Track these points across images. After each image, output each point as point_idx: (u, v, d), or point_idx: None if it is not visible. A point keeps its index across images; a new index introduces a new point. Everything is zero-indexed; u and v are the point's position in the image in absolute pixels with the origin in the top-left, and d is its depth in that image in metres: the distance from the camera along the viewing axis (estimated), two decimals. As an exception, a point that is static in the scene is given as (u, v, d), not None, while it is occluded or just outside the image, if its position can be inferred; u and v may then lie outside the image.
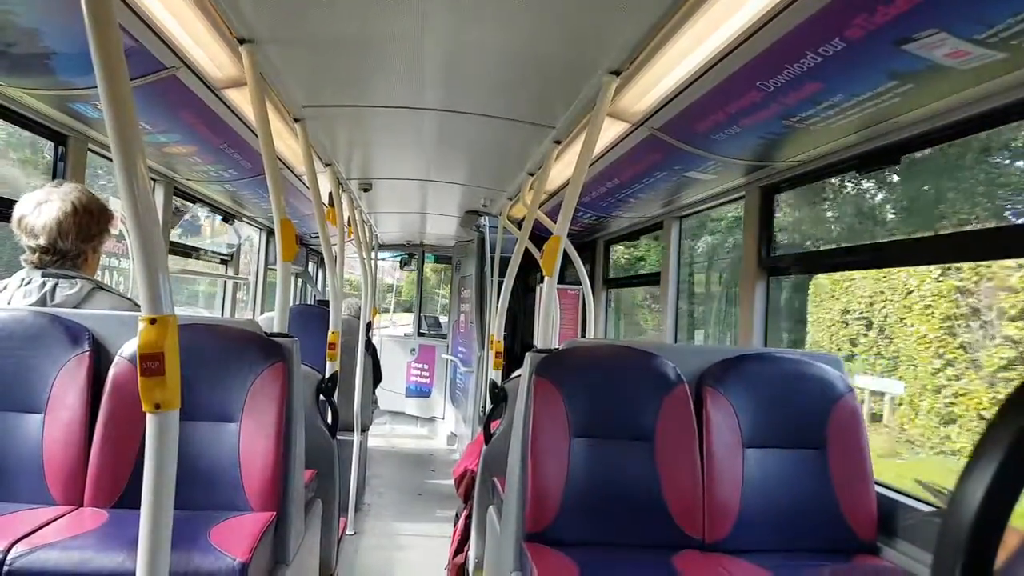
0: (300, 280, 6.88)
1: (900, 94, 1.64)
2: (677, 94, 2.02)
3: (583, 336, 4.87)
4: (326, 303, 4.73)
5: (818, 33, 1.46)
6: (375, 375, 4.82)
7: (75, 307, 1.86)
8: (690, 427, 1.89)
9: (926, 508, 1.83)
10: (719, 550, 1.81)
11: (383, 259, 8.50)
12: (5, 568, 1.28)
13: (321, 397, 2.67)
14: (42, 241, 1.85)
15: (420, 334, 8.14)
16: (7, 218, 1.93)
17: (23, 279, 1.89)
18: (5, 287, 1.90)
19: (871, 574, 1.75)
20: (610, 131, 2.47)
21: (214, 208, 4.14)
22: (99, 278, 2.01)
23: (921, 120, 1.83)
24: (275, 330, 2.00)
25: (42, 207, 1.85)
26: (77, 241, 1.88)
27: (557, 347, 2.05)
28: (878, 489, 1.89)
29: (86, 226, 1.89)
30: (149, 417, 0.95)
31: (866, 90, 1.66)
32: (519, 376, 2.54)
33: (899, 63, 1.48)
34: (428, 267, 8.57)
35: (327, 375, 2.77)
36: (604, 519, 1.83)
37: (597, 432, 1.88)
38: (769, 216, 2.72)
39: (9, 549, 1.31)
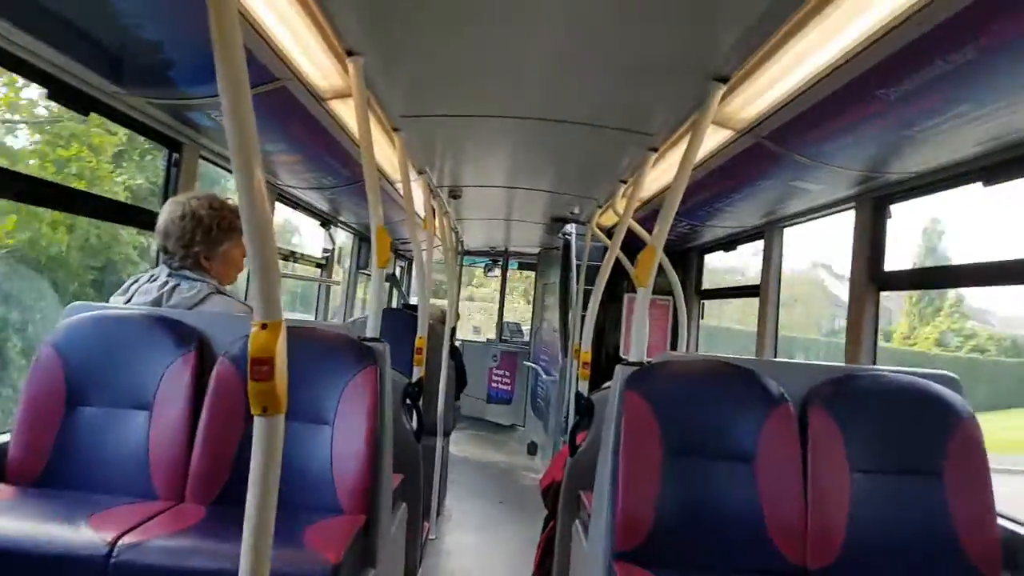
0: (388, 284, 7.06)
1: None
2: (788, 102, 1.92)
3: (673, 349, 4.72)
4: (412, 307, 4.81)
5: (949, 40, 1.34)
6: (459, 380, 4.85)
7: (190, 308, 1.95)
8: (794, 448, 1.78)
9: None
10: None
11: (467, 265, 8.61)
12: (112, 560, 1.33)
13: (407, 401, 2.69)
14: (159, 241, 2.00)
15: (502, 340, 8.17)
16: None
17: (152, 275, 2.01)
18: (136, 280, 2.02)
19: None
20: (712, 138, 2.37)
21: (311, 213, 4.29)
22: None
23: None
24: (367, 335, 2.02)
25: (163, 211, 1.99)
26: (179, 246, 1.97)
27: (648, 360, 1.96)
28: (1002, 522, 1.74)
29: (191, 232, 1.97)
30: (256, 420, 0.96)
31: (997, 100, 1.54)
32: (607, 388, 2.46)
33: None
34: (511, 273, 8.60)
35: (413, 380, 2.79)
36: (699, 541, 1.75)
37: (693, 451, 1.79)
38: (881, 228, 2.57)
39: (116, 541, 1.36)
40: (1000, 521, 1.73)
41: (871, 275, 2.58)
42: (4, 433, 1.77)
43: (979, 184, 2.07)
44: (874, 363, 2.59)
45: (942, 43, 1.36)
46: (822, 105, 1.83)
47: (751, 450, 1.78)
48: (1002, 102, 1.54)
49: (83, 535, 1.38)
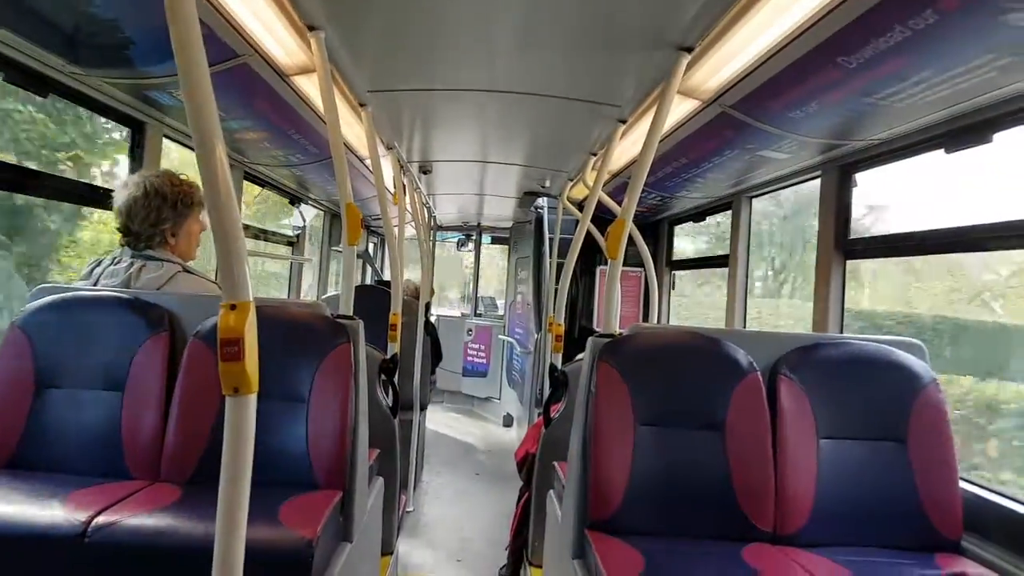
0: (360, 261, 7.00)
1: (997, 68, 1.53)
2: (752, 71, 1.93)
3: (645, 320, 4.78)
4: (385, 284, 4.79)
5: (908, 5, 1.36)
6: (435, 355, 4.86)
7: (157, 289, 1.93)
8: (763, 416, 1.81)
9: (1017, 507, 1.72)
10: (791, 543, 1.74)
11: (440, 240, 8.56)
12: (86, 539, 1.33)
13: (383, 377, 2.70)
14: (122, 222, 1.94)
15: (476, 314, 8.19)
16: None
17: (114, 258, 1.97)
18: (99, 263, 1.99)
19: (955, 574, 1.65)
20: (679, 109, 2.38)
21: (281, 191, 4.23)
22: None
23: (1017, 96, 1.71)
24: (340, 312, 2.02)
25: (123, 190, 1.94)
26: (146, 224, 1.94)
27: (621, 332, 1.99)
28: (963, 486, 1.79)
29: (156, 209, 1.94)
30: (228, 400, 0.96)
31: (958, 65, 1.55)
32: (580, 360, 2.49)
33: (998, 36, 1.38)
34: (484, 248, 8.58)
35: (388, 356, 2.80)
36: (670, 509, 1.78)
37: (663, 420, 1.82)
38: (847, 196, 2.60)
39: (90, 521, 1.36)
40: (962, 485, 1.78)
41: (837, 243, 2.62)
42: None
43: (941, 151, 2.10)
44: (841, 331, 2.64)
45: (901, 9, 1.38)
46: (785, 74, 1.85)
47: (721, 418, 1.81)
48: (961, 67, 1.56)
49: (57, 514, 1.37)
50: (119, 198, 1.94)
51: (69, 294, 1.83)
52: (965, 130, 1.95)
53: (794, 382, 1.83)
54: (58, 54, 1.92)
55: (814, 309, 2.72)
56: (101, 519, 1.37)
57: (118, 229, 1.97)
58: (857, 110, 1.96)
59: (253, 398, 0.97)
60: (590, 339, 1.95)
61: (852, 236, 2.62)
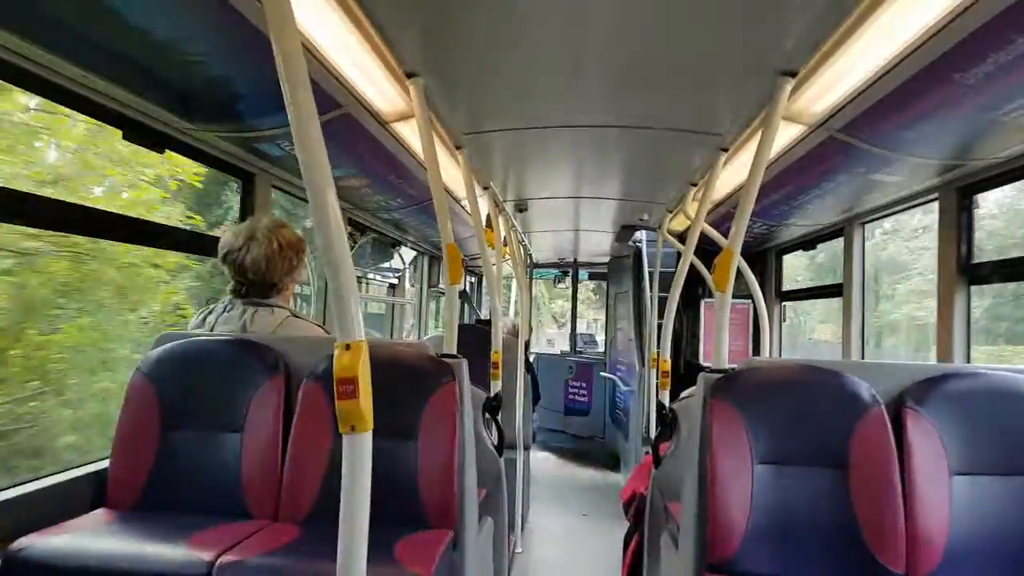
0: (460, 300, 7.16)
1: None
2: (860, 93, 1.86)
3: (756, 354, 4.56)
4: (484, 323, 4.86)
5: None
6: (534, 394, 4.84)
7: (269, 333, 2.04)
8: (889, 453, 1.70)
9: None
10: None
11: (536, 278, 8.62)
12: None
13: (487, 416, 2.71)
14: (251, 276, 2.06)
15: (576, 352, 8.11)
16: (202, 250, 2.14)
17: (226, 306, 2.10)
18: (211, 311, 2.12)
19: None
20: (783, 135, 2.31)
21: (381, 235, 4.42)
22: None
23: None
24: (444, 351, 2.05)
25: (250, 244, 2.05)
26: (283, 275, 2.09)
27: (732, 367, 1.91)
28: None
29: (289, 259, 2.09)
30: (345, 438, 0.99)
31: None
32: (688, 397, 2.41)
33: None
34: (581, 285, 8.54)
35: (491, 394, 2.81)
36: (792, 550, 1.69)
37: (783, 458, 1.74)
38: (968, 218, 2.46)
39: (215, 561, 1.42)
40: None
41: (960, 268, 2.47)
42: (103, 460, 1.87)
43: None
44: (968, 361, 2.47)
45: (1019, 19, 1.29)
46: (896, 93, 1.76)
47: (843, 455, 1.72)
48: None
49: (184, 555, 1.43)
50: (251, 252, 2.04)
51: (189, 340, 1.94)
52: None
53: (922, 415, 1.71)
54: (171, 110, 2.05)
55: (937, 338, 2.55)
56: (225, 559, 1.42)
57: (245, 280, 2.07)
58: (975, 128, 1.85)
59: (369, 435, 1.00)
60: (701, 375, 1.88)
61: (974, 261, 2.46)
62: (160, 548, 1.46)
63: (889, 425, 1.72)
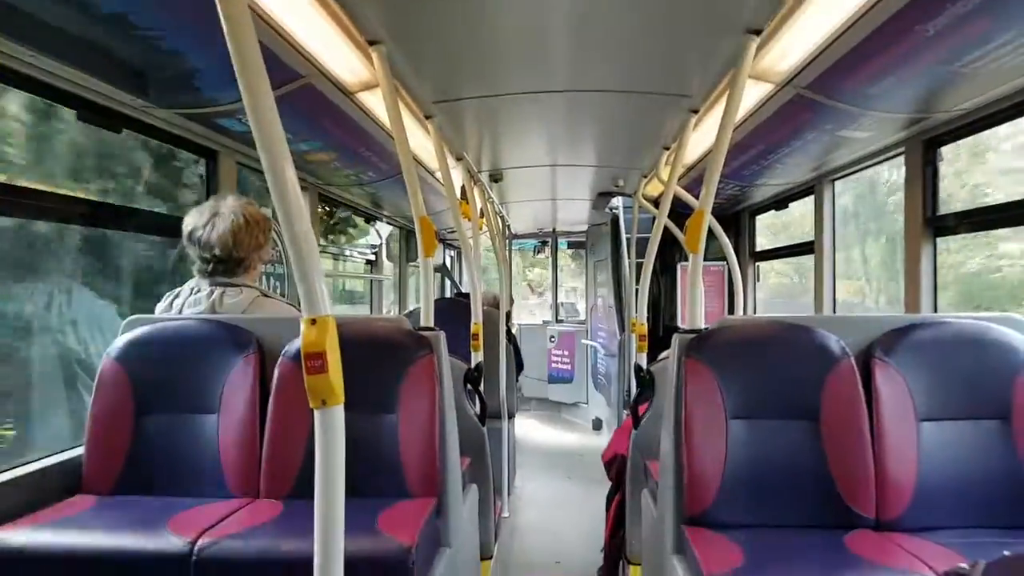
0: (439, 274, 7.15)
1: None
2: (824, 48, 1.86)
3: (730, 314, 4.64)
4: (465, 295, 4.88)
5: None
6: (517, 363, 4.90)
7: (241, 313, 2.02)
8: (858, 402, 1.75)
9: None
10: (894, 529, 1.67)
11: (516, 248, 8.62)
12: (194, 558, 1.39)
13: (468, 387, 2.75)
14: (218, 252, 2.02)
15: (558, 321, 8.19)
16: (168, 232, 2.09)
17: (193, 288, 2.07)
18: (177, 295, 2.09)
19: None
20: (752, 94, 2.31)
21: (355, 211, 4.38)
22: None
23: None
24: (422, 324, 2.06)
25: (215, 220, 2.02)
26: (249, 251, 2.05)
27: (705, 327, 1.95)
28: None
29: (255, 236, 2.06)
30: (316, 412, 0.99)
31: None
32: (666, 358, 2.45)
33: None
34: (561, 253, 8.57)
35: (472, 365, 2.84)
36: (767, 500, 1.74)
37: (756, 412, 1.78)
38: (933, 171, 2.50)
39: (196, 540, 1.42)
40: None
41: (926, 221, 2.51)
42: (77, 447, 1.85)
43: None
44: (935, 310, 2.52)
45: None
46: (860, 48, 1.77)
47: (815, 407, 1.76)
48: None
49: (164, 537, 1.43)
50: (217, 228, 2.01)
51: (160, 324, 1.92)
52: None
53: (890, 365, 1.76)
54: (126, 89, 1.99)
55: (905, 290, 2.61)
56: (206, 539, 1.42)
57: (211, 258, 2.03)
58: (939, 80, 1.87)
59: (340, 409, 1.00)
60: (676, 335, 1.92)
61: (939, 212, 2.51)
62: (139, 531, 1.46)
63: (858, 376, 1.77)
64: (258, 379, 1.85)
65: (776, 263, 4.87)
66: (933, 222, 2.51)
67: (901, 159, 2.68)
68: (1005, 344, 1.76)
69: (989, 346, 1.76)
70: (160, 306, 2.11)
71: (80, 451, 1.81)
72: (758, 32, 1.78)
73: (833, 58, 1.88)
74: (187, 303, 2.05)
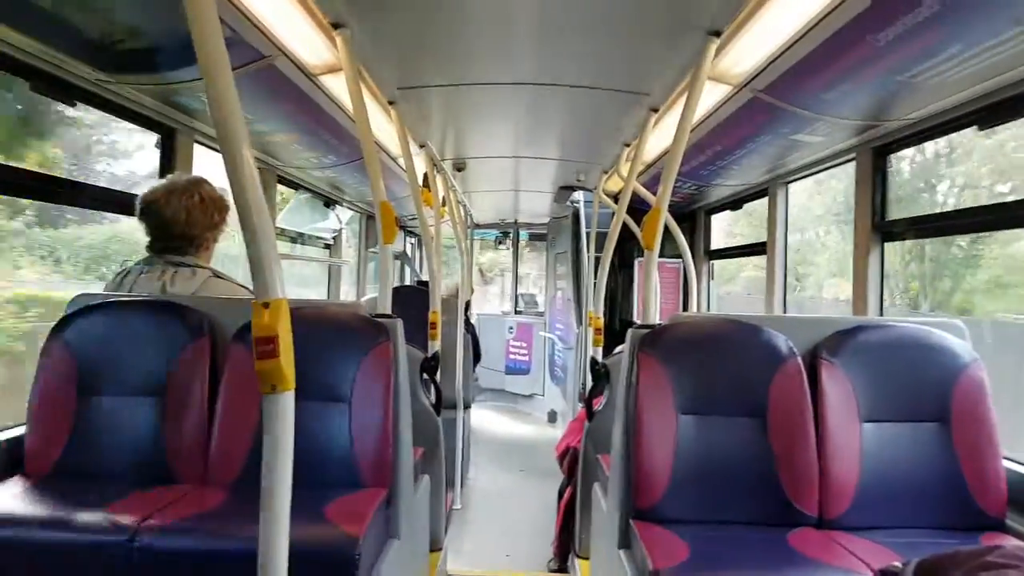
0: (398, 261, 7.09)
1: None
2: (781, 53, 1.91)
3: (685, 310, 4.73)
4: (425, 284, 4.86)
5: None
6: (475, 354, 4.90)
7: (192, 294, 1.97)
8: (804, 402, 1.80)
9: None
10: (836, 527, 1.73)
11: (477, 238, 8.61)
12: (135, 545, 1.36)
13: (424, 376, 2.74)
14: (171, 228, 1.97)
15: (517, 312, 8.21)
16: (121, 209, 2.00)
17: (143, 267, 2.01)
18: (128, 272, 2.02)
19: (1002, 552, 1.60)
20: (710, 95, 2.35)
21: (315, 194, 4.30)
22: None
23: None
24: (379, 311, 2.04)
25: (171, 197, 1.97)
26: (204, 230, 2.01)
27: (660, 322, 1.99)
28: (1007, 464, 1.76)
29: (211, 214, 2.01)
30: (265, 398, 0.97)
31: (989, 38, 1.52)
32: (621, 353, 2.49)
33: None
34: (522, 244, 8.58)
35: (429, 354, 2.83)
36: (714, 496, 1.78)
37: (705, 409, 1.82)
38: (883, 178, 2.58)
39: (137, 527, 1.38)
40: (1005, 463, 1.75)
41: (874, 226, 2.58)
42: (19, 426, 1.79)
43: (975, 128, 2.07)
44: (881, 314, 2.60)
45: None
46: (815, 54, 1.82)
47: (762, 405, 1.80)
48: (992, 40, 1.52)
49: (104, 521, 1.40)
50: (171, 205, 1.96)
51: (108, 302, 1.86)
52: (999, 105, 1.92)
53: (835, 366, 1.81)
54: (84, 61, 1.93)
55: (854, 293, 2.68)
56: (148, 524, 1.39)
57: (163, 235, 1.99)
58: (889, 89, 1.92)
59: (290, 395, 0.99)
60: (630, 330, 1.95)
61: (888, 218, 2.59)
62: (80, 515, 1.42)
63: (805, 376, 1.82)
64: (208, 362, 1.81)
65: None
66: (881, 227, 2.58)
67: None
68: (946, 349, 1.82)
69: (930, 350, 1.82)
70: (109, 283, 2.05)
71: (22, 430, 1.75)
72: (718, 34, 1.81)
73: (789, 63, 1.93)
74: (137, 282, 1.99)
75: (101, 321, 1.82)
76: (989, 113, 1.96)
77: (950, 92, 1.92)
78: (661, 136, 2.92)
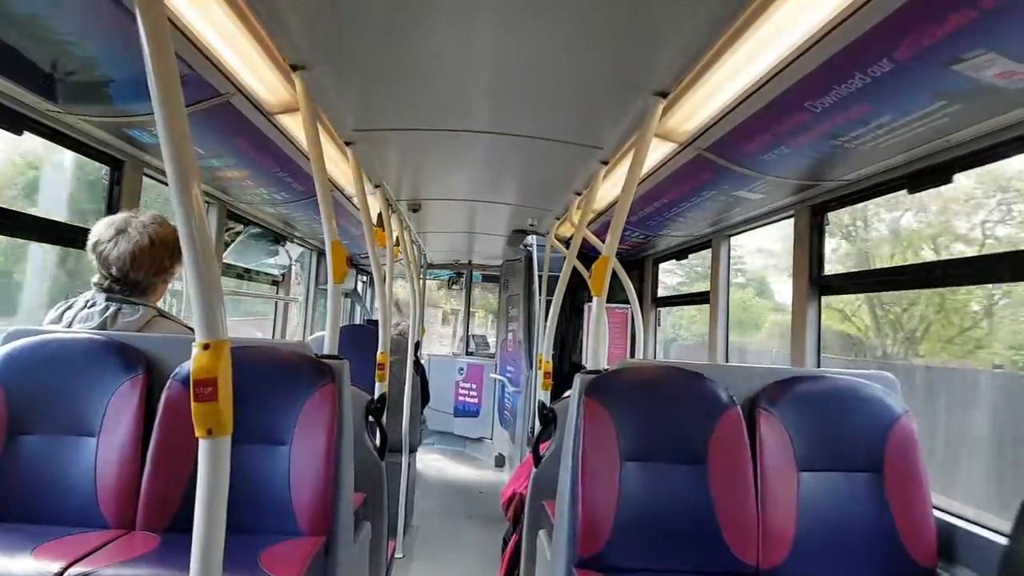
0: (349, 300, 7.00)
1: (949, 114, 1.61)
2: (724, 115, 2.01)
3: (632, 356, 4.79)
4: (375, 323, 4.81)
5: (866, 55, 1.44)
6: (423, 396, 4.83)
7: (136, 331, 1.91)
8: (743, 451, 1.84)
9: (987, 534, 1.75)
10: None
11: (431, 279, 8.58)
12: None
13: (370, 419, 2.68)
14: (114, 271, 1.91)
15: (468, 353, 8.16)
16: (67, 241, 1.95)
17: (88, 301, 1.95)
18: (70, 306, 1.96)
19: None
20: (657, 151, 2.45)
21: (265, 229, 4.25)
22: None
23: (972, 139, 1.80)
24: (325, 351, 2.01)
25: (119, 238, 1.91)
26: (149, 275, 1.95)
27: (607, 368, 2.01)
28: (937, 514, 1.83)
29: (159, 259, 1.95)
30: (201, 442, 0.95)
31: (915, 110, 1.63)
32: (568, 397, 2.50)
33: (947, 84, 1.45)
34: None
35: (376, 396, 2.79)
36: (656, 545, 1.79)
37: (648, 455, 1.84)
38: (820, 235, 2.69)
39: (62, 573, 1.32)
40: (935, 513, 1.82)
41: (812, 280, 2.69)
42: None
43: (904, 191, 2.19)
44: (818, 365, 2.69)
45: (859, 57, 1.46)
46: (756, 117, 1.92)
47: (703, 453, 1.83)
48: (918, 112, 1.63)
49: (29, 566, 1.33)
50: (119, 246, 1.90)
51: (43, 337, 1.79)
52: (926, 171, 2.04)
53: (773, 415, 1.87)
54: (34, 91, 1.90)
55: (792, 344, 2.77)
56: (74, 571, 1.33)
57: (109, 275, 1.93)
58: (825, 153, 2.03)
59: (227, 440, 0.97)
60: (577, 375, 1.97)
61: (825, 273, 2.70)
62: (2, 560, 1.34)
63: (744, 424, 1.87)
64: (144, 402, 1.75)
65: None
66: (818, 281, 2.69)
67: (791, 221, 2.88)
68: (878, 401, 1.89)
69: (864, 402, 1.89)
70: (50, 315, 1.97)
71: None
72: (665, 95, 1.90)
73: (732, 124, 2.03)
74: (79, 316, 1.92)
75: (34, 356, 1.75)
76: (919, 178, 2.08)
77: (882, 157, 2.03)
78: (611, 187, 3.01)
